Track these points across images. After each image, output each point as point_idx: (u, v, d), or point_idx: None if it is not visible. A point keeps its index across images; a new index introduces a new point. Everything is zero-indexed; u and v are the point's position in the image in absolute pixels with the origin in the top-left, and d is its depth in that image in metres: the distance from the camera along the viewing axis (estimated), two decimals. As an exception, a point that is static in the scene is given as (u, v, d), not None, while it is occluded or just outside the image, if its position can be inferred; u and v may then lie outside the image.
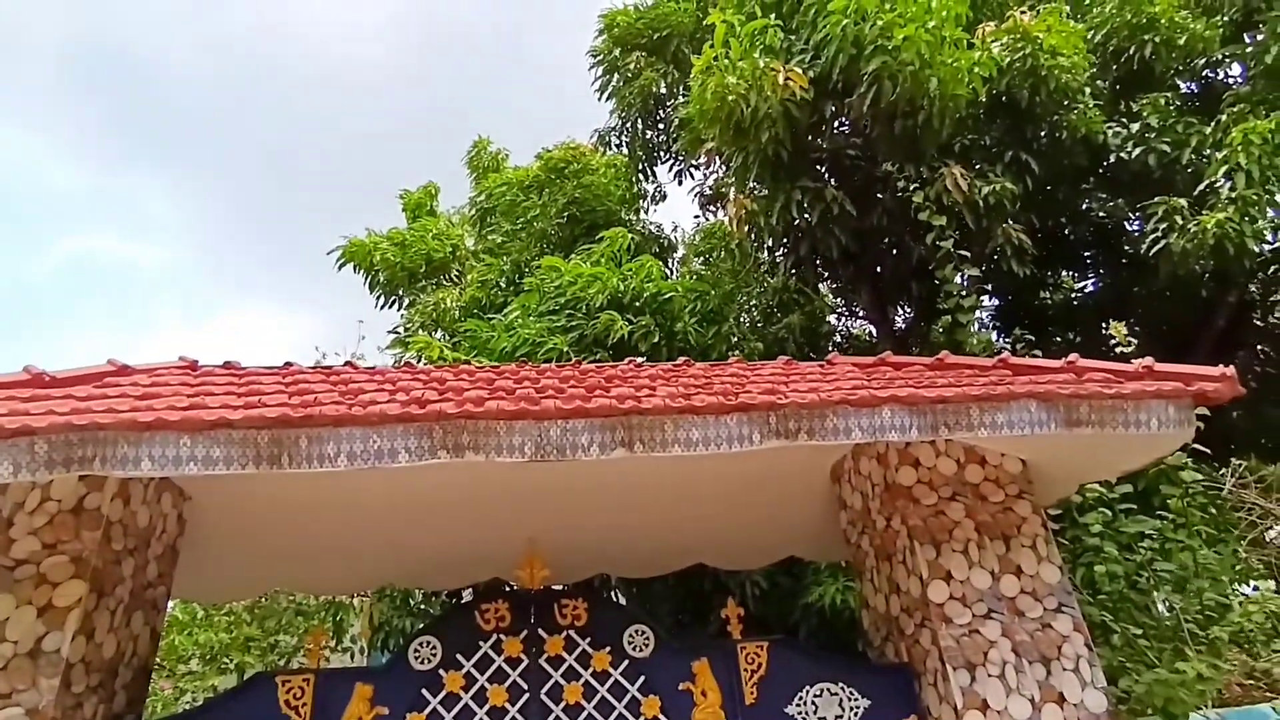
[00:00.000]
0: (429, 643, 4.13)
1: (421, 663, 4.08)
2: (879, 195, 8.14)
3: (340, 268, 11.21)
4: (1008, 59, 7.33)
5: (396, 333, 9.89)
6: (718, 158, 7.53)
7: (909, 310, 11.30)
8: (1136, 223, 10.87)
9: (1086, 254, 11.49)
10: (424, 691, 4.01)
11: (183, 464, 3.09)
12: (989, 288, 6.67)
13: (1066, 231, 10.70)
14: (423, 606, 7.33)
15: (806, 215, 7.08)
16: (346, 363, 4.73)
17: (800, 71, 6.62)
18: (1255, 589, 5.57)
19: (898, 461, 4.43)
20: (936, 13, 6.36)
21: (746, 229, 7.36)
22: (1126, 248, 10.97)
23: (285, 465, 3.21)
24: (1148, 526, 5.42)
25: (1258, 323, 10.82)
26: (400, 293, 10.77)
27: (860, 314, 12.04)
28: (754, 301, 9.98)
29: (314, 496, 4.48)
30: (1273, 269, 10.60)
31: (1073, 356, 4.44)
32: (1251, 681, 4.93)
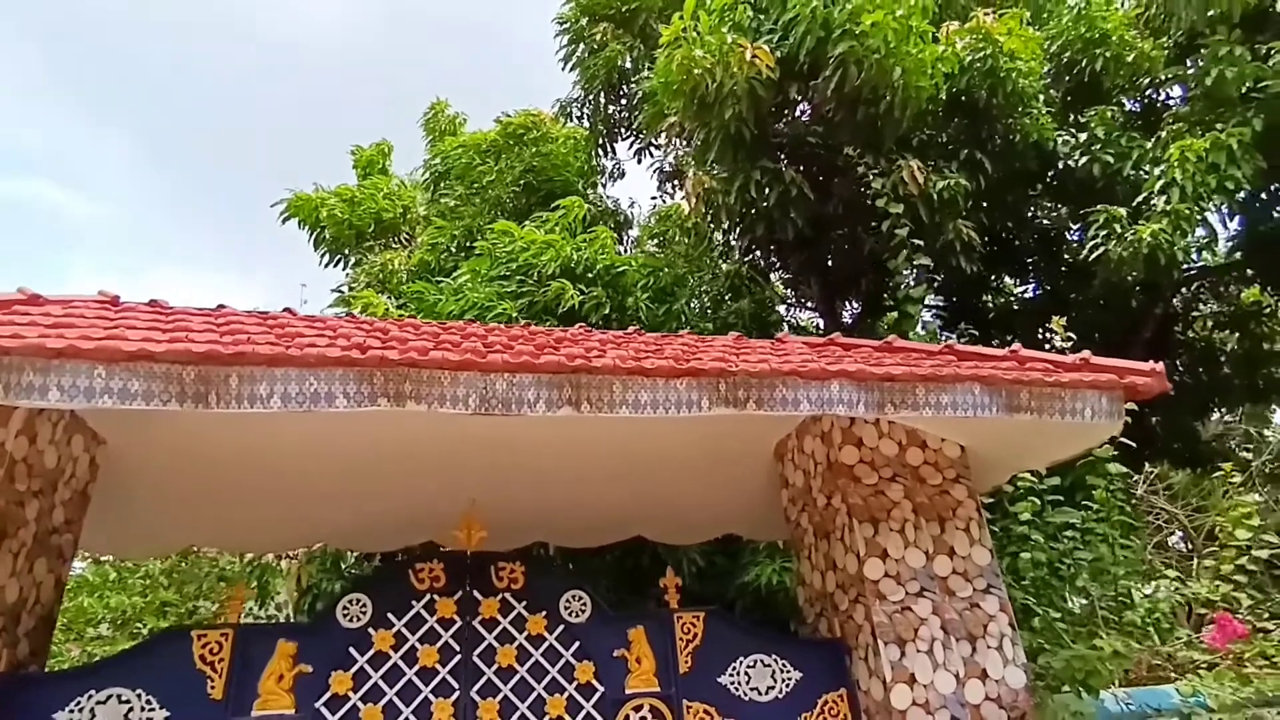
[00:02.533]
0: (359, 600, 4.00)
1: (350, 620, 3.94)
2: (836, 184, 8.21)
3: (284, 222, 10.76)
4: (969, 58, 7.47)
5: (340, 292, 9.56)
6: (679, 134, 7.46)
7: (856, 305, 11.50)
8: (1077, 232, 11.31)
9: (1029, 260, 11.88)
10: (351, 650, 3.87)
11: (96, 396, 2.88)
12: (937, 280, 6.80)
13: (1011, 236, 11.04)
14: (354, 570, 7.13)
15: (765, 196, 7.08)
16: (285, 309, 4.51)
17: (768, 50, 6.59)
18: (1156, 588, 5.87)
19: (841, 440, 4.48)
20: (904, 2, 6.42)
21: (704, 207, 7.32)
22: (1066, 256, 11.39)
23: (212, 404, 3.03)
24: (1072, 518, 5.64)
25: (1179, 335, 11.41)
26: (346, 252, 10.40)
27: (809, 305, 12.19)
28: (704, 287, 10.00)
29: (242, 445, 4.27)
30: (1195, 285, 11.21)
31: (1015, 346, 4.56)
32: (1159, 664, 5.20)
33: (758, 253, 11.06)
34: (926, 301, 9.55)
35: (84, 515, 4.20)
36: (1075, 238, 11.46)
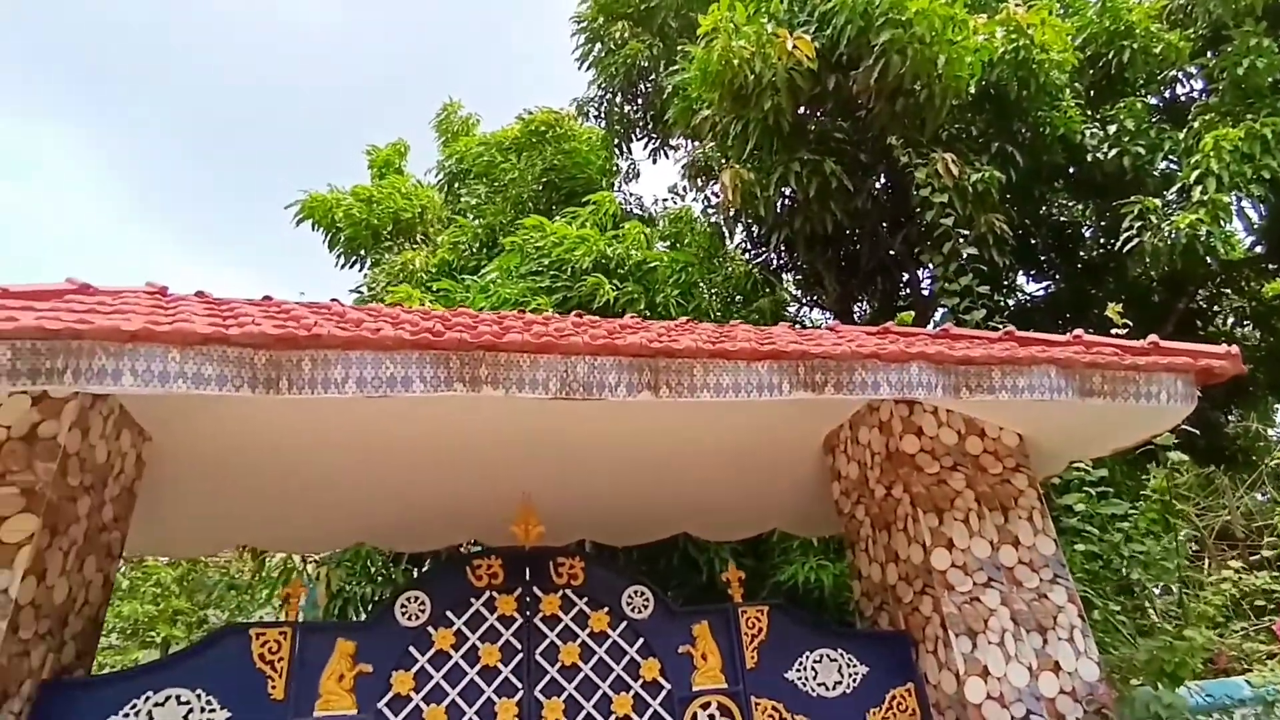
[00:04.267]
0: (417, 598, 3.87)
1: (409, 618, 3.82)
2: (864, 180, 8.15)
3: (298, 224, 10.64)
4: (999, 50, 7.42)
5: (360, 292, 9.43)
6: (712, 128, 7.38)
7: (871, 305, 11.45)
8: (1092, 230, 11.29)
9: (1044, 258, 11.83)
10: (411, 649, 3.75)
11: (170, 381, 2.77)
12: (981, 272, 6.71)
13: (1028, 234, 11.00)
14: (385, 573, 6.99)
15: (805, 188, 6.99)
16: (332, 299, 4.41)
17: (808, 39, 6.53)
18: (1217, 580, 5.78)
19: (902, 430, 4.39)
20: (947, -11, 6.39)
21: (740, 201, 7.23)
22: (1082, 255, 11.36)
23: (283, 389, 2.92)
24: (1122, 509, 5.55)
25: (1201, 331, 11.36)
26: (363, 253, 10.27)
27: (821, 305, 12.11)
28: (715, 289, 9.94)
29: (286, 442, 4.17)
30: (1217, 279, 11.16)
31: (1078, 331, 4.48)
32: (1233, 655, 5.13)
33: (770, 254, 11.02)
34: (944, 303, 9.50)
35: (131, 513, 4.08)
36: (1091, 235, 11.45)
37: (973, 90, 7.52)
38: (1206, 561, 13.41)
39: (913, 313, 10.98)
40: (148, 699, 3.34)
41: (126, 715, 3.30)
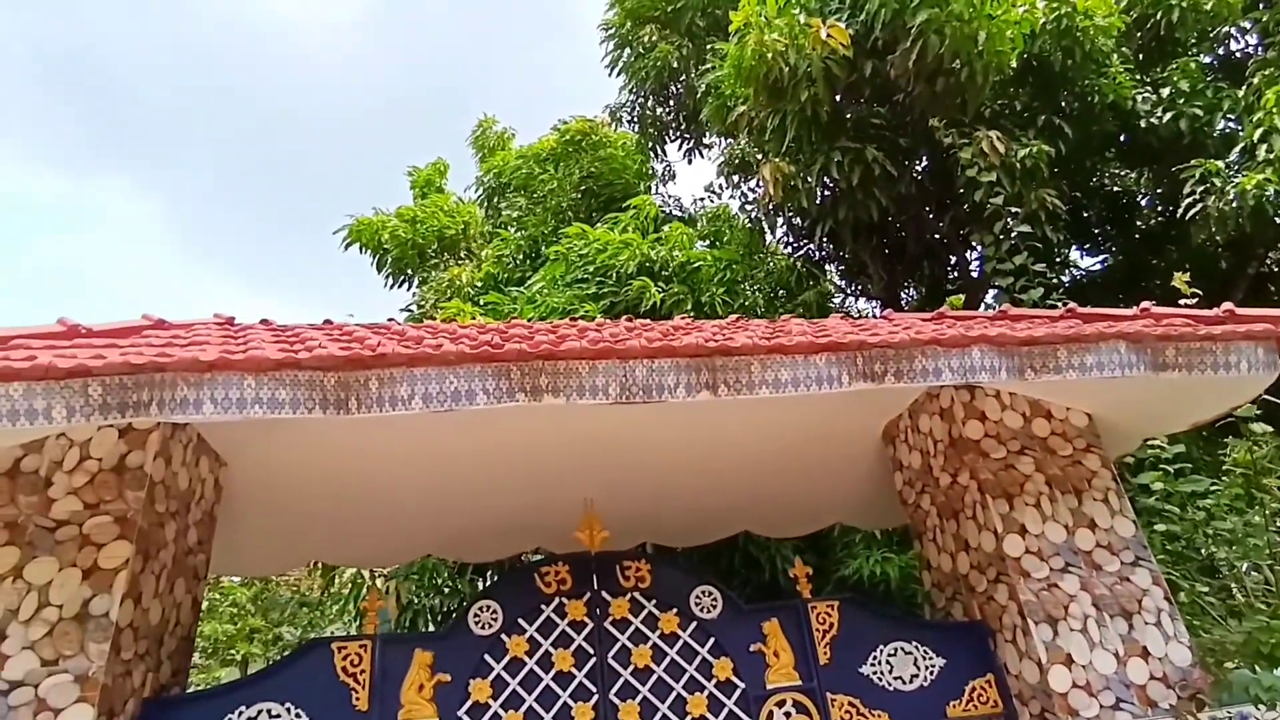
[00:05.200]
0: (489, 607, 3.94)
1: (482, 627, 3.89)
2: (905, 165, 8.01)
3: (346, 248, 10.94)
4: (1041, 21, 7.22)
5: (410, 310, 9.64)
6: (749, 124, 7.33)
7: (917, 291, 11.23)
8: (1148, 199, 10.86)
9: (1097, 230, 11.43)
10: (486, 657, 3.82)
11: (247, 406, 2.88)
12: (1037, 250, 6.51)
13: (1080, 207, 10.64)
14: (450, 584, 7.13)
15: (847, 176, 6.90)
16: (389, 319, 4.52)
17: (842, 27, 6.46)
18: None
19: (964, 415, 4.29)
20: (983, -36, 6.23)
21: (782, 194, 7.18)
22: (1139, 223, 10.93)
23: (353, 409, 3.01)
24: (1203, 486, 5.33)
25: (1275, 298, 10.82)
26: (410, 272, 10.51)
27: (867, 294, 11.93)
28: (757, 285, 9.88)
29: (355, 460, 4.28)
30: (1287, 241, 10.62)
31: (1145, 304, 4.33)
32: None
33: (812, 246, 10.90)
34: (997, 283, 9.26)
35: (212, 536, 4.25)
36: (1148, 204, 11.02)
37: (1015, 64, 7.32)
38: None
39: (963, 296, 10.75)
40: (240, 713, 3.48)
41: (222, 730, 3.44)
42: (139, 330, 3.69)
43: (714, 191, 12.38)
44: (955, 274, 10.90)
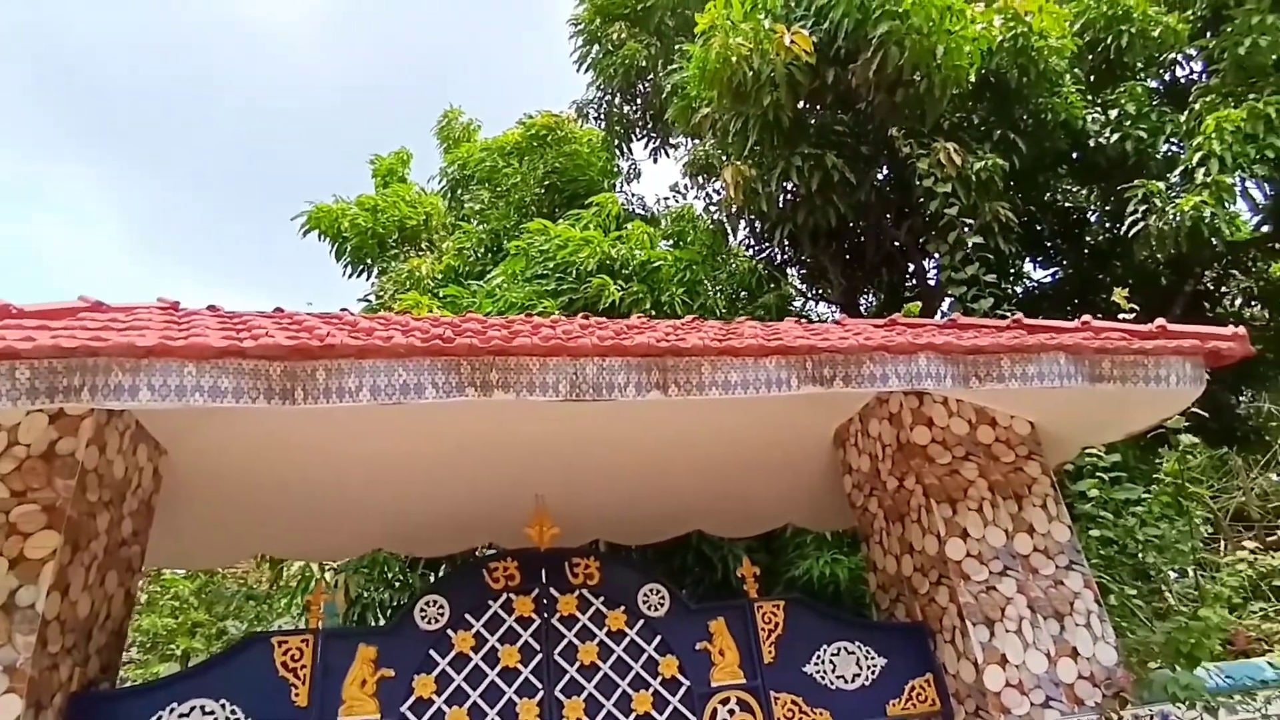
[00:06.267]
0: (435, 602, 3.91)
1: (428, 622, 3.86)
2: (865, 173, 8.14)
3: (304, 234, 10.70)
4: (998, 38, 7.41)
5: (368, 300, 9.48)
6: (712, 125, 7.39)
7: (876, 298, 11.44)
8: (1097, 214, 11.23)
9: (1049, 244, 11.79)
10: (431, 652, 3.79)
11: (187, 394, 2.81)
12: (988, 261, 6.69)
13: (1033, 220, 10.96)
14: (401, 578, 7.04)
15: (807, 182, 7.00)
16: (342, 309, 4.44)
17: (806, 34, 6.54)
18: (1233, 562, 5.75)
19: (912, 421, 4.40)
20: (944, -21, 6.39)
21: (743, 198, 7.25)
22: (1088, 240, 11.31)
23: (299, 400, 2.95)
24: (1136, 494, 5.53)
25: (1210, 313, 11.29)
26: (369, 261, 10.33)
27: (826, 300, 12.11)
28: (719, 286, 9.96)
29: (301, 451, 4.21)
30: (1225, 260, 11.10)
31: (1085, 317, 4.48)
32: (1251, 635, 5.12)
33: (774, 249, 11.02)
34: (951, 293, 9.50)
35: (149, 527, 4.13)
36: (1097, 220, 11.40)
37: (973, 79, 7.51)
38: (1222, 544, 13.32)
39: (919, 304, 10.98)
40: (172, 710, 3.39)
41: (153, 727, 3.34)
42: (74, 312, 3.57)
43: (679, 192, 12.44)
44: (913, 282, 11.13)
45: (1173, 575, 5.98)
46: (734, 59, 6.50)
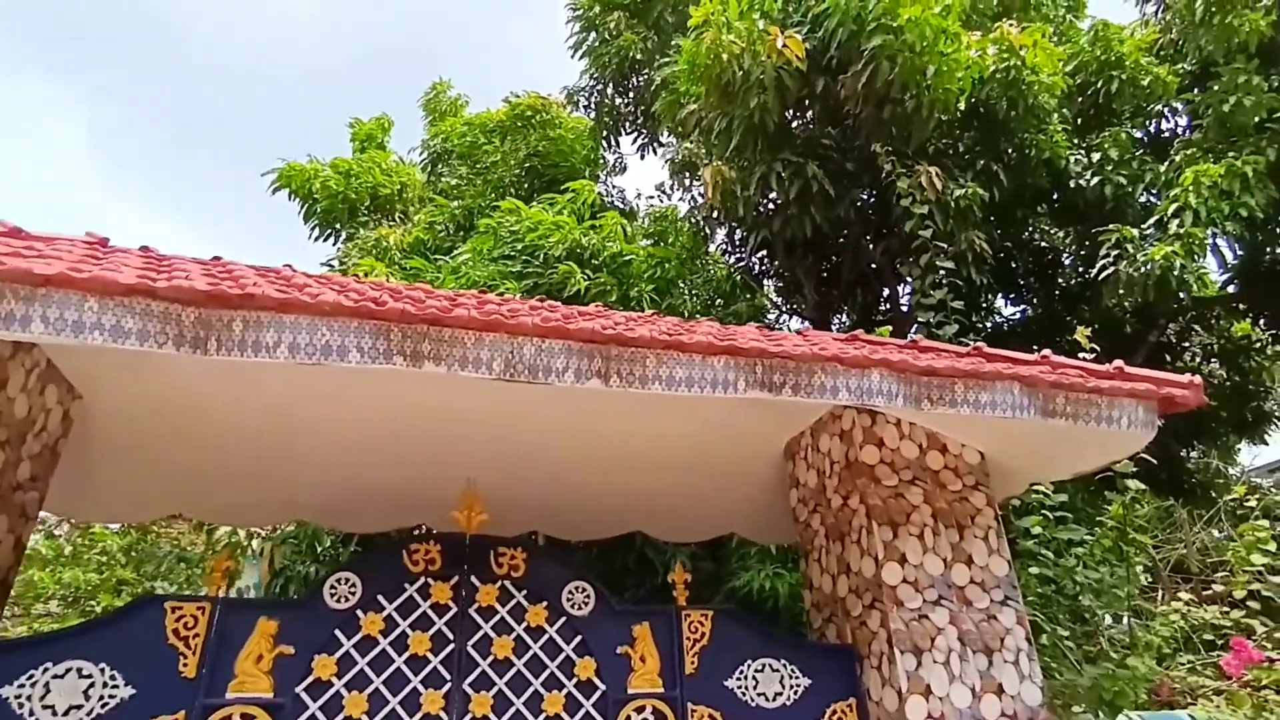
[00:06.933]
0: (348, 579, 3.71)
1: (338, 600, 3.66)
2: (847, 188, 8.09)
3: (274, 192, 10.39)
4: (990, 68, 7.40)
5: (330, 265, 9.21)
6: (697, 123, 7.27)
7: (849, 318, 11.42)
8: (1072, 256, 11.34)
9: (1023, 282, 11.88)
10: (337, 632, 3.59)
11: (85, 331, 2.59)
12: (957, 288, 6.67)
13: (1009, 256, 11.03)
14: (332, 553, 6.80)
15: (786, 190, 6.92)
16: (285, 265, 4.22)
17: (799, 39, 6.45)
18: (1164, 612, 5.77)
19: (862, 440, 4.30)
20: (941, 0, 6.33)
21: (720, 199, 7.14)
22: (1060, 281, 11.41)
23: (212, 350, 2.76)
24: (1079, 535, 5.52)
25: (1169, 365, 11.46)
26: (338, 226, 10.05)
27: (800, 314, 12.09)
28: (696, 290, 9.86)
29: (227, 408, 3.98)
30: (1188, 315, 11.27)
31: (1045, 352, 4.43)
32: (1175, 687, 5.12)
33: (752, 258, 10.95)
34: (919, 317, 9.51)
35: (52, 473, 3.87)
36: (1070, 262, 11.51)
37: (962, 106, 7.49)
38: (1160, 593, 13.53)
39: (890, 327, 10.98)
40: (45, 670, 3.15)
41: (22, 686, 3.10)
42: (-14, 236, 3.32)
43: (664, 192, 12.32)
44: (888, 305, 11.13)
45: (1108, 620, 5.99)
46: (725, 56, 6.38)
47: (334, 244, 10.04)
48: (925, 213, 6.51)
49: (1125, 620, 5.51)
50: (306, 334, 2.80)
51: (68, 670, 3.17)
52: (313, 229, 10.11)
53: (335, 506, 5.01)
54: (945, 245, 6.57)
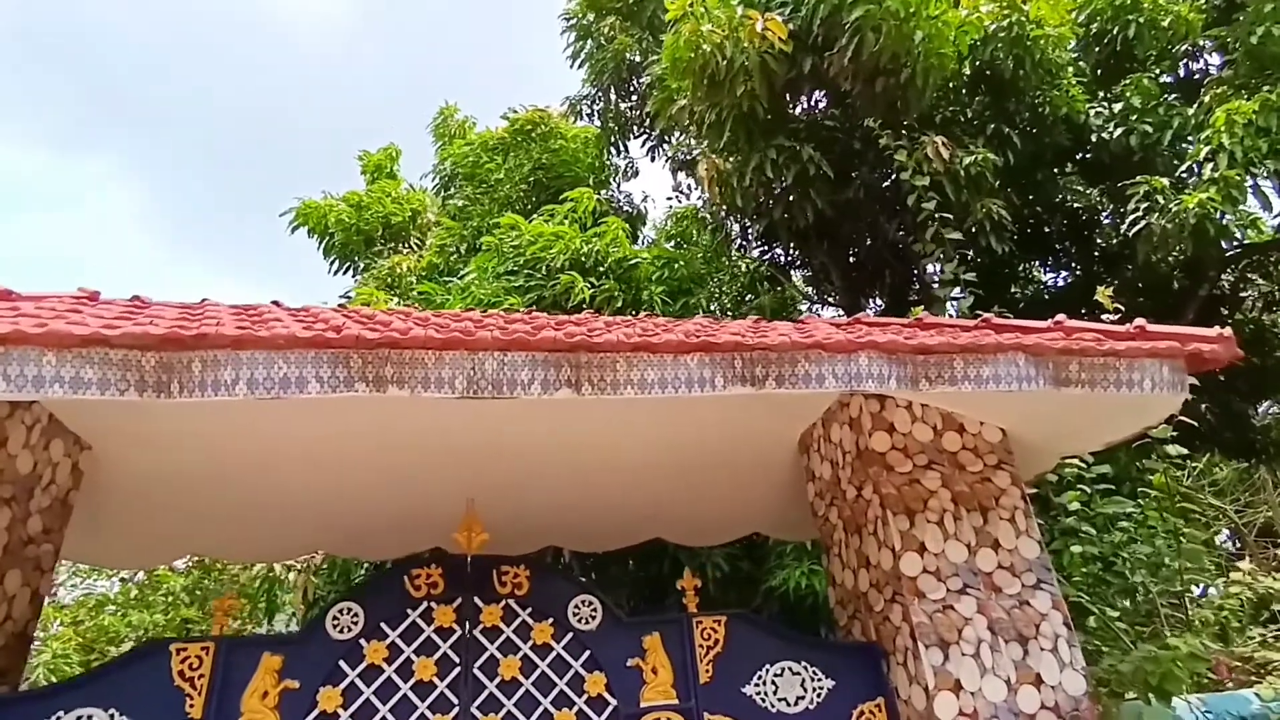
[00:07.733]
0: (350, 609, 3.70)
1: (341, 631, 3.65)
2: (856, 168, 7.84)
3: (293, 231, 10.63)
4: (992, 26, 7.07)
5: (348, 297, 9.37)
6: (689, 117, 7.14)
7: (881, 300, 11.08)
8: (1109, 215, 10.79)
9: (1059, 246, 11.35)
10: (341, 663, 3.58)
11: (45, 385, 2.62)
12: (968, 260, 6.37)
13: (1040, 221, 10.55)
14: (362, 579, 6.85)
15: (782, 177, 6.73)
16: (272, 301, 4.26)
17: (780, 21, 6.27)
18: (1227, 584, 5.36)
19: (871, 426, 4.10)
20: (921, -37, 6.07)
21: (718, 192, 6.99)
22: (1099, 240, 10.86)
23: (175, 393, 2.76)
24: (1125, 508, 5.18)
25: (1226, 318, 10.76)
26: (355, 258, 10.23)
27: (831, 302, 11.79)
28: (724, 287, 9.68)
29: (236, 446, 4.02)
30: (1243, 263, 10.59)
31: (1060, 316, 4.17)
32: (1237, 665, 4.75)
33: (778, 250, 10.71)
34: (960, 278, 9.12)
35: (65, 524, 3.96)
36: (1108, 220, 10.94)
37: (967, 71, 7.18)
38: (1248, 560, 12.74)
39: (922, 306, 10.61)
40: (57, 718, 3.21)
41: (36, 736, 3.17)
42: (-26, 300, 3.42)
43: (682, 192, 12.19)
44: (917, 285, 10.76)
45: (1171, 595, 5.61)
46: (706, 47, 6.23)
47: (352, 276, 10.23)
48: (926, 185, 6.23)
49: (1185, 595, 5.15)
50: (264, 368, 2.78)
51: (79, 718, 3.22)
52: (331, 263, 10.32)
53: (349, 535, 5.04)
54: (955, 216, 6.27)
